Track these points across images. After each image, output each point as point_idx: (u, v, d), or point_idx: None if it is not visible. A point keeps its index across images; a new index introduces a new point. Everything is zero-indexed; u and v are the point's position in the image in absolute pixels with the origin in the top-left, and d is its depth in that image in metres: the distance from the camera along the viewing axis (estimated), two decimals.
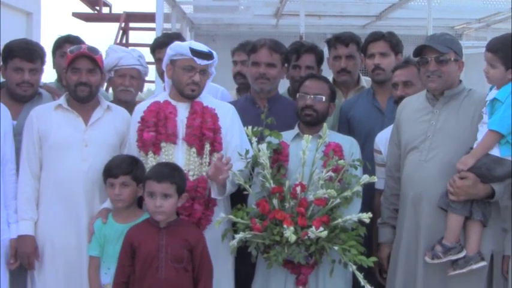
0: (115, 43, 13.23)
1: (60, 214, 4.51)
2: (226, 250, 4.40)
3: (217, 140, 4.38)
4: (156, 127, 4.39)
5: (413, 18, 10.86)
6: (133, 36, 14.48)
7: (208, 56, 4.44)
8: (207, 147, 4.36)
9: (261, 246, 4.21)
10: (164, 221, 4.14)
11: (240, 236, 4.18)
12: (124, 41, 13.86)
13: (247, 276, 4.60)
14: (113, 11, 15.61)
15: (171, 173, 4.13)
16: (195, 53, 4.39)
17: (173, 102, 4.48)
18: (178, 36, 5.52)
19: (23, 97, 4.89)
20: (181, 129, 4.40)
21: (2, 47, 4.88)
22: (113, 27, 13.92)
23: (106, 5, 15.62)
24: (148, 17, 9.55)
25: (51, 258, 4.54)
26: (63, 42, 5.48)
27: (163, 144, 4.37)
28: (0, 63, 4.76)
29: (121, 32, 13.83)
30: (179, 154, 4.38)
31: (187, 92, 4.42)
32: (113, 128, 4.65)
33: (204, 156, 4.36)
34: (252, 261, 4.31)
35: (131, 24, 14.17)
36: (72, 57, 4.54)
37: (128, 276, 4.15)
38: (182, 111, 4.44)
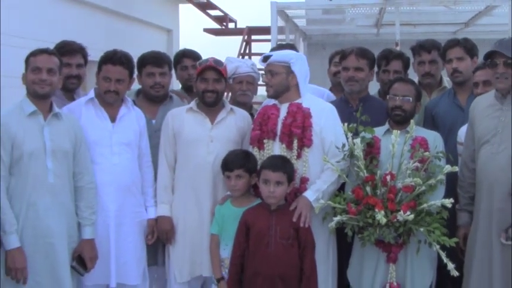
0: (239, 54, 13.36)
1: (190, 198, 4.55)
2: (326, 231, 4.34)
3: (306, 136, 4.29)
4: (261, 126, 4.41)
5: (497, 24, 10.42)
6: (255, 47, 14.53)
7: (264, 58, 4.44)
8: (295, 142, 4.29)
9: (355, 228, 4.13)
10: (275, 205, 4.16)
11: (337, 219, 4.12)
12: (247, 51, 13.91)
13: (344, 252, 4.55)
14: (238, 26, 15.71)
15: (283, 164, 4.16)
16: (262, 58, 4.46)
17: (278, 104, 4.46)
18: (291, 46, 5.48)
19: (156, 97, 4.99)
20: (280, 128, 4.39)
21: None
22: (238, 40, 14.06)
23: (232, 21, 15.72)
24: (267, 30, 9.52)
25: (182, 235, 4.59)
26: (181, 57, 5.61)
27: (265, 140, 4.39)
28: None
29: (244, 43, 13.88)
30: (276, 149, 4.36)
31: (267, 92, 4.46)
32: (234, 126, 4.66)
33: (293, 150, 4.30)
34: (348, 240, 4.24)
35: (253, 37, 14.20)
36: (200, 69, 4.59)
37: (243, 250, 4.19)
38: (283, 111, 4.41)
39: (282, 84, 4.38)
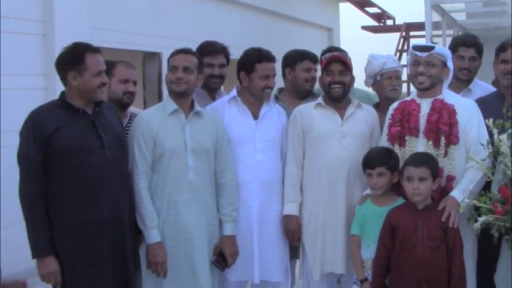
0: (396, 50, 13.20)
1: (325, 194, 4.46)
2: (469, 231, 4.09)
3: (453, 133, 4.09)
4: (401, 122, 4.23)
5: None
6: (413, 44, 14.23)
7: (426, 48, 4.22)
8: (443, 140, 4.09)
9: (502, 229, 3.84)
10: (422, 203, 3.98)
11: (482, 219, 3.84)
12: (405, 48, 13.64)
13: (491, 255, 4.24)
14: (396, 23, 15.46)
15: (426, 159, 4.00)
16: (415, 47, 4.26)
17: (418, 100, 4.28)
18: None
19: (309, 92, 5.07)
20: (423, 124, 4.18)
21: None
22: (396, 36, 13.89)
23: (389, 18, 15.57)
24: (424, 26, 9.29)
25: (318, 232, 4.50)
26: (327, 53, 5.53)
27: (407, 137, 4.20)
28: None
29: (402, 40, 13.64)
30: (420, 146, 4.17)
31: (416, 84, 4.26)
32: (363, 121, 4.56)
33: (440, 148, 4.10)
34: (494, 242, 3.93)
35: (411, 33, 13.90)
36: (326, 62, 4.51)
37: (389, 252, 4.04)
38: (425, 107, 4.22)
39: (438, 76, 4.22)
